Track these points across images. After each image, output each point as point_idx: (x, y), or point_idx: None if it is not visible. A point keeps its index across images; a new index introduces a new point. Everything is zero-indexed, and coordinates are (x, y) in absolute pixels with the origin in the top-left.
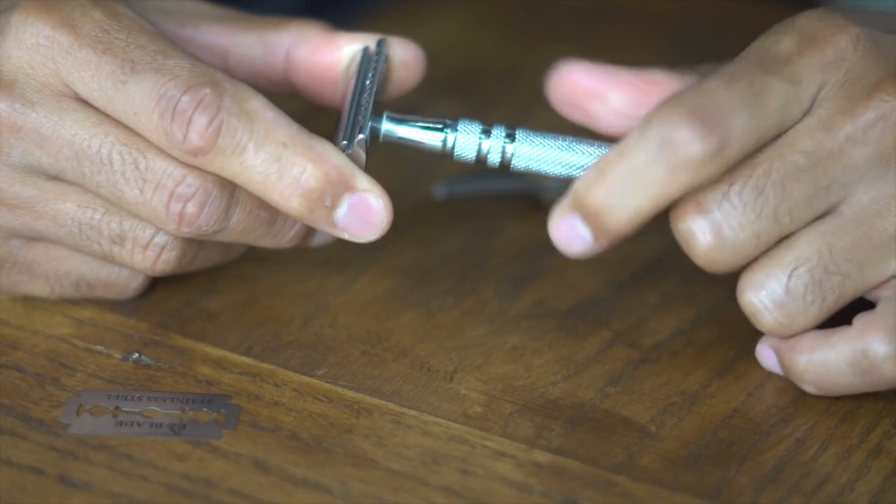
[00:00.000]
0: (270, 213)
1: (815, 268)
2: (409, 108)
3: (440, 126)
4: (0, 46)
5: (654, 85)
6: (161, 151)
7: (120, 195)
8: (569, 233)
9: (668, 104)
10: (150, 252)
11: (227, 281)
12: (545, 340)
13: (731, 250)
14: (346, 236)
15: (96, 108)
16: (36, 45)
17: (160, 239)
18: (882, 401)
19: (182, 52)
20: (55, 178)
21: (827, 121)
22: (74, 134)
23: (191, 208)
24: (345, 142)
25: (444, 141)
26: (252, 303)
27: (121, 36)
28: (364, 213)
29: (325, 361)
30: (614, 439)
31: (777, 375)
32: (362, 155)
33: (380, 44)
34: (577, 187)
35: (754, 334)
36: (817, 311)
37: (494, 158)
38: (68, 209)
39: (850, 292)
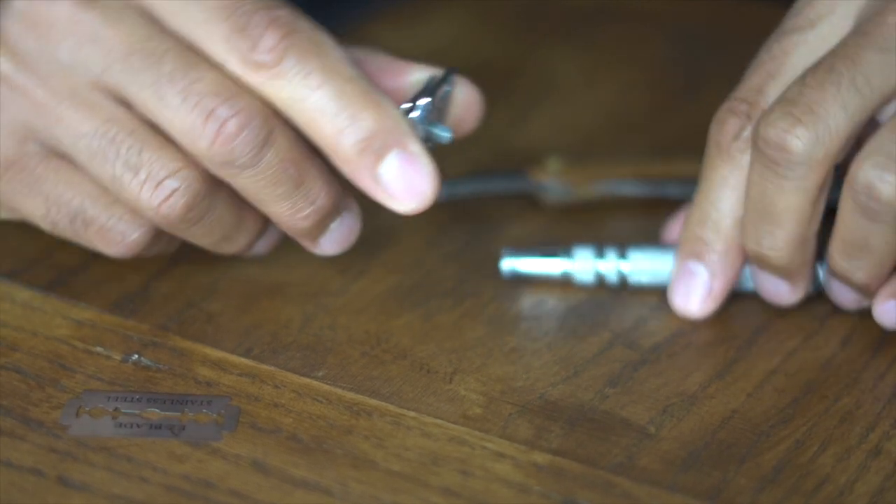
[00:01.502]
0: (299, 173)
1: None
2: None
3: (557, 254)
4: None
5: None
6: (212, 68)
7: (160, 100)
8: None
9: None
10: (160, 192)
11: (227, 282)
12: (544, 342)
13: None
14: (385, 196)
15: (158, 21)
16: None
17: (173, 182)
18: (881, 402)
19: None
20: (95, 80)
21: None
22: (131, 34)
23: (230, 126)
24: (408, 104)
25: (564, 272)
26: (252, 304)
27: None
28: (410, 174)
29: (325, 363)
30: (613, 440)
31: (777, 376)
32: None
33: (448, 73)
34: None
35: (754, 335)
36: None
37: (612, 278)
38: (95, 118)
39: None
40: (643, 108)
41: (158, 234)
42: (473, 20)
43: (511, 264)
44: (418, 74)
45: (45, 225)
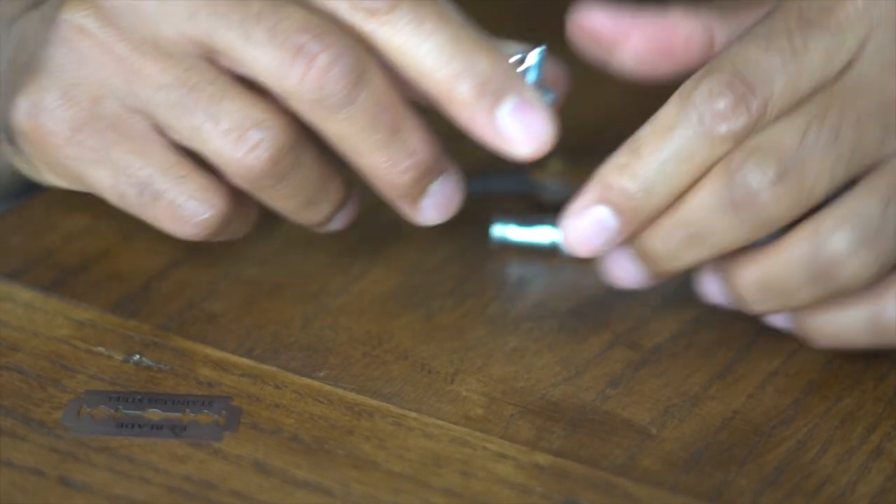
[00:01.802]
0: (395, 119)
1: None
2: None
3: (546, 223)
4: None
5: (675, 28)
6: (301, 7)
7: (247, 41)
8: (593, 225)
9: (704, 75)
10: (244, 142)
11: (228, 283)
12: (546, 342)
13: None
14: (504, 143)
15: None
16: None
17: (258, 133)
18: (882, 402)
19: None
20: (180, 29)
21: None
22: None
23: (321, 60)
24: (519, 55)
25: (553, 242)
26: (253, 304)
27: None
28: (528, 118)
29: (326, 363)
30: (615, 441)
31: (778, 377)
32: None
33: (539, 49)
34: (607, 171)
35: (754, 336)
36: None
37: None
38: (175, 68)
39: None
40: (643, 108)
41: (230, 215)
42: (473, 20)
43: (501, 231)
44: (508, 49)
45: (112, 196)
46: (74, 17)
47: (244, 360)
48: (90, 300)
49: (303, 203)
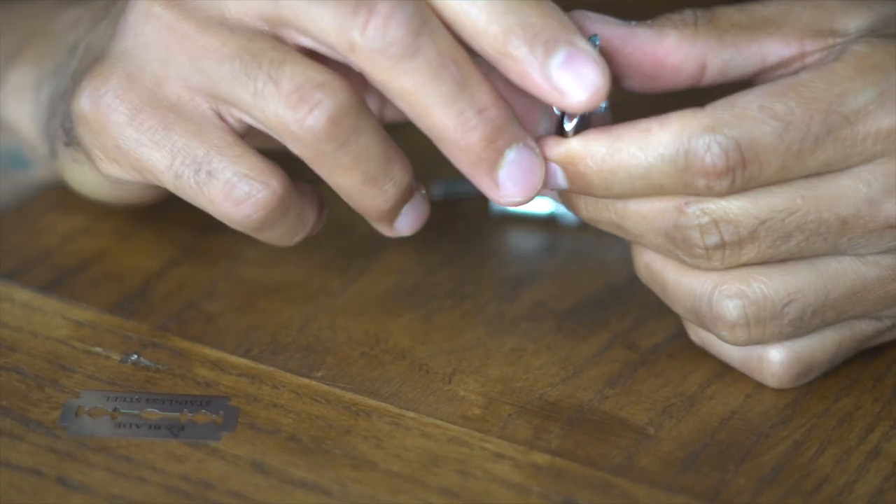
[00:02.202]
0: (461, 73)
1: (808, 306)
2: None
3: (544, 195)
4: None
5: (667, 56)
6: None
7: (309, 3)
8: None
9: (713, 127)
10: (305, 103)
11: (226, 283)
12: (544, 342)
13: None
14: (557, 95)
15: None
16: None
17: (318, 93)
18: (881, 402)
19: None
20: (243, 5)
21: (875, 197)
22: None
23: (382, 8)
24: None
25: (551, 213)
26: (251, 305)
27: None
28: (581, 67)
29: (324, 363)
30: (613, 441)
31: None
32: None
33: (594, 40)
34: (581, 148)
35: None
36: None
37: None
38: (238, 39)
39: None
40: (643, 107)
41: (285, 201)
42: None
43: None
44: None
45: (168, 178)
46: (141, 5)
47: (242, 361)
48: (88, 300)
49: (365, 178)
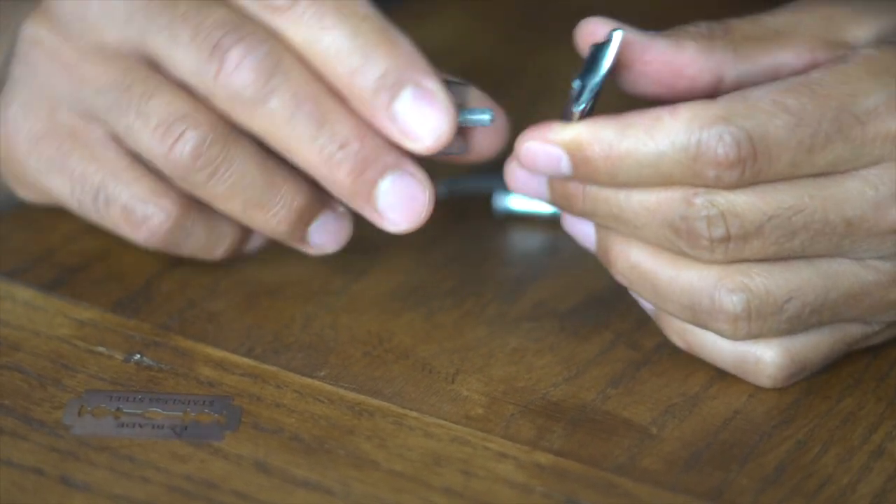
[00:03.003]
0: (319, 110)
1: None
2: None
3: None
4: None
5: (684, 67)
6: (224, 6)
7: (174, 41)
8: (544, 157)
9: (726, 117)
10: (168, 136)
11: (229, 282)
12: (546, 342)
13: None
14: (402, 138)
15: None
16: None
17: (180, 125)
18: (884, 402)
19: None
20: (120, 34)
21: (881, 201)
22: None
23: (234, 54)
24: (577, 81)
25: (554, 212)
26: (253, 304)
27: None
28: (425, 110)
29: (327, 363)
30: (615, 440)
31: None
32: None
33: (611, 35)
34: (590, 132)
35: None
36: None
37: None
38: (114, 71)
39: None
40: (642, 107)
41: (184, 221)
42: (473, 20)
43: (503, 201)
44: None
45: (72, 205)
46: (29, 30)
47: (245, 360)
48: (91, 299)
49: (247, 204)
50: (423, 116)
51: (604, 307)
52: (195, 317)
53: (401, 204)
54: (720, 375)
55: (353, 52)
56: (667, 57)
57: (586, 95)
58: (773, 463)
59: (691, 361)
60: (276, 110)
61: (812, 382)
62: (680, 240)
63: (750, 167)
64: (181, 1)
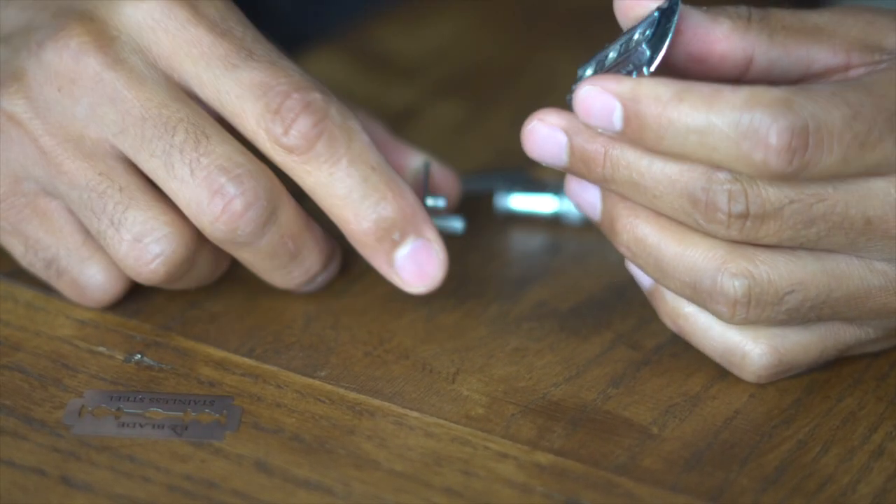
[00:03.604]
0: (297, 246)
1: (808, 300)
2: (409, 108)
3: (549, 192)
4: (120, 2)
5: (715, 43)
6: (224, 141)
7: (169, 170)
8: (599, 105)
9: (786, 104)
10: (143, 254)
11: (230, 283)
12: (547, 342)
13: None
14: (397, 280)
15: (184, 90)
16: (152, 11)
17: (156, 247)
18: (884, 402)
19: (289, 59)
20: (106, 139)
21: None
22: (151, 99)
23: (236, 205)
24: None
25: (556, 212)
26: (254, 304)
27: (238, 27)
28: (424, 259)
29: (327, 363)
30: (616, 440)
31: (781, 379)
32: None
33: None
34: (648, 89)
35: None
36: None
37: None
38: (91, 170)
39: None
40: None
41: (128, 290)
42: (473, 20)
43: (504, 201)
44: (413, 160)
45: (23, 263)
46: (6, 105)
47: (245, 360)
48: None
49: (194, 285)
50: (421, 266)
51: (604, 307)
52: (196, 317)
53: (327, 281)
54: (721, 375)
55: (362, 201)
56: (700, 30)
57: (657, 60)
58: (774, 463)
59: (692, 362)
60: (261, 250)
61: (812, 382)
62: (697, 212)
63: (800, 157)
64: (179, 128)
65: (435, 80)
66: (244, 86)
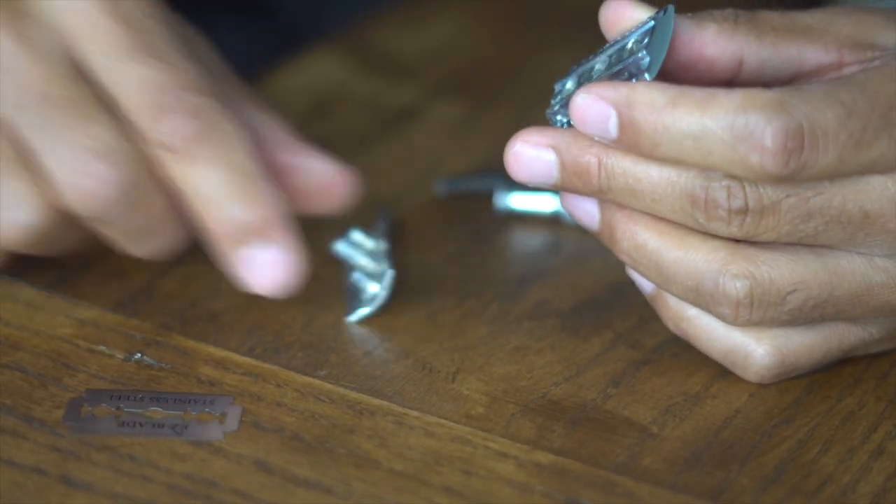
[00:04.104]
0: (163, 227)
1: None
2: (409, 108)
3: (548, 191)
4: None
5: (704, 47)
6: (108, 124)
7: (50, 146)
8: (594, 113)
9: (780, 106)
10: (8, 217)
11: (230, 282)
12: (547, 341)
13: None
14: (246, 280)
15: (85, 74)
16: None
17: (16, 214)
18: (884, 401)
19: (196, 60)
20: (2, 110)
21: None
22: (49, 78)
23: (103, 186)
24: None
25: (555, 211)
26: (254, 303)
27: (155, 25)
28: (272, 264)
29: (327, 362)
30: (616, 440)
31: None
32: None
33: (667, 10)
34: (641, 93)
35: None
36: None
37: None
38: None
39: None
40: None
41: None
42: (473, 20)
43: (504, 200)
44: (313, 163)
45: None
46: None
47: (246, 359)
48: (92, 299)
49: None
50: (270, 269)
51: (605, 307)
52: (196, 316)
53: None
54: (721, 375)
55: (223, 202)
56: (686, 37)
57: (656, 67)
58: (774, 462)
59: (692, 361)
60: (126, 228)
61: (812, 382)
62: (697, 210)
63: (795, 159)
64: (69, 107)
65: (435, 79)
66: (138, 79)
